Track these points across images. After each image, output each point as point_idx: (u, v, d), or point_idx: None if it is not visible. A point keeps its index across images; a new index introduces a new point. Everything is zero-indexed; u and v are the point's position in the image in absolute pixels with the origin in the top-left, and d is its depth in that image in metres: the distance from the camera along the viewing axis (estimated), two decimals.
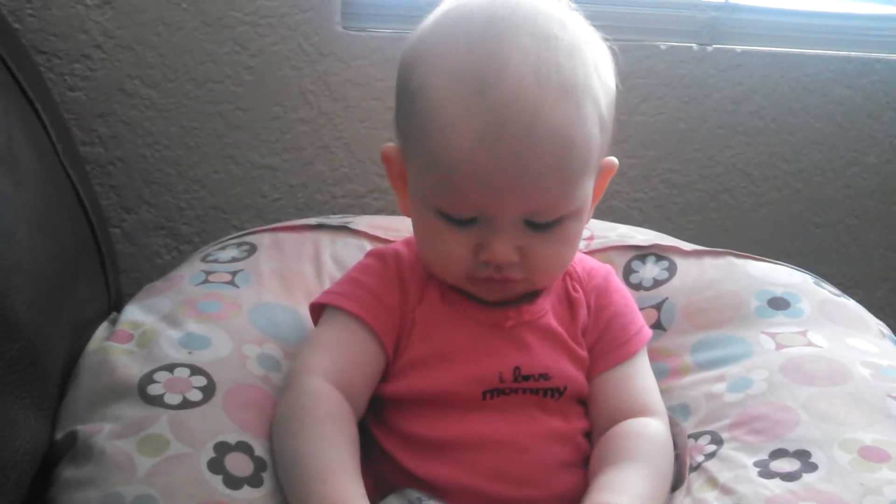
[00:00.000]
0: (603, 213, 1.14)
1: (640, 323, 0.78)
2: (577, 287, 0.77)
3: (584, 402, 0.75)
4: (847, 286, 1.22)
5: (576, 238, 0.72)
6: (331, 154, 1.11)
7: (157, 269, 1.11)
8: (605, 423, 0.73)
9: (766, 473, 0.66)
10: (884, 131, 1.20)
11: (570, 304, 0.76)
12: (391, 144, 0.75)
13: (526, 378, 0.72)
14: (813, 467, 0.65)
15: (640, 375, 0.76)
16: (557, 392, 0.72)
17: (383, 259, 0.77)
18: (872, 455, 0.65)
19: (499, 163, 0.65)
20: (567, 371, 0.73)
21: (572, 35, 0.68)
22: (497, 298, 0.73)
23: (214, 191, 1.10)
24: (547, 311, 0.75)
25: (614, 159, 0.74)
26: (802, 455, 0.67)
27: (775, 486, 0.64)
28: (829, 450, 0.66)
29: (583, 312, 0.76)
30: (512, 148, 0.65)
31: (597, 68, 0.69)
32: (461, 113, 0.65)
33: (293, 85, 1.07)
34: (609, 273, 0.80)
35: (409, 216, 0.75)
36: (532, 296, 0.75)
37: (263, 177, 1.10)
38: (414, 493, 0.65)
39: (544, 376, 0.72)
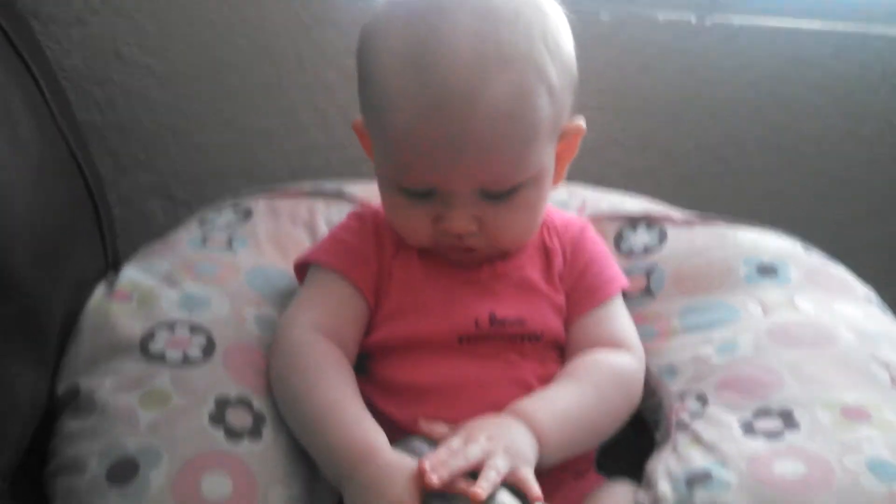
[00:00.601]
0: (598, 182, 1.15)
1: (616, 270, 0.81)
2: (554, 238, 0.79)
3: (563, 350, 0.77)
4: (839, 255, 1.22)
5: (537, 203, 0.73)
6: (326, 120, 1.11)
7: (153, 231, 1.11)
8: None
9: (750, 432, 0.67)
10: (879, 105, 1.21)
11: (546, 253, 0.78)
12: (360, 119, 0.76)
13: (501, 323, 0.73)
14: (795, 426, 0.67)
15: (615, 317, 0.78)
16: (535, 337, 0.74)
17: (361, 218, 0.79)
18: (853, 414, 0.67)
19: (441, 140, 0.66)
20: (544, 317, 0.75)
21: (515, 6, 0.68)
22: (465, 261, 0.75)
23: (210, 155, 1.11)
24: (522, 263, 0.77)
25: (580, 123, 0.75)
26: (785, 415, 0.68)
27: (758, 444, 0.66)
28: (811, 410, 0.68)
29: (558, 261, 0.78)
30: (453, 125, 0.66)
31: (544, 37, 0.69)
32: (402, 93, 0.66)
33: (289, 52, 1.08)
34: (585, 225, 0.82)
35: None
36: (505, 254, 0.76)
37: (259, 142, 1.11)
38: (417, 442, 0.67)
39: (520, 321, 0.74)
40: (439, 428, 0.68)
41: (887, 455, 0.63)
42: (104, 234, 0.85)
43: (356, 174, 1.14)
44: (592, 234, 0.82)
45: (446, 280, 0.75)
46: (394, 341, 0.74)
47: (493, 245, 0.74)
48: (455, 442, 0.64)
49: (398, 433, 0.68)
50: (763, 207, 1.22)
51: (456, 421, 0.68)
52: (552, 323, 0.76)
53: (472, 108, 0.65)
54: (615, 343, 0.76)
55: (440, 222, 0.71)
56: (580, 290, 0.78)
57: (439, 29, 0.66)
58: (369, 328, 0.75)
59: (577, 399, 0.71)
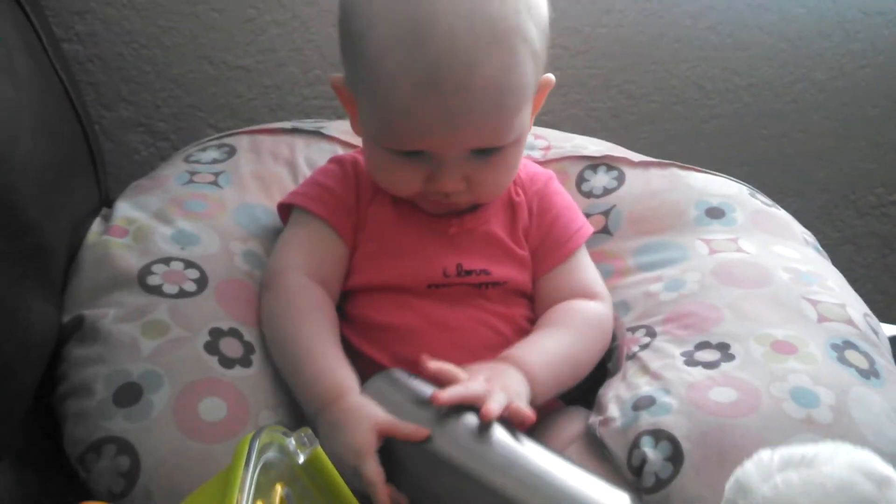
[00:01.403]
0: (563, 121, 1.20)
1: (582, 221, 0.85)
2: (520, 192, 0.84)
3: (527, 296, 0.82)
4: (788, 195, 1.29)
5: (517, 160, 0.78)
6: (303, 56, 1.14)
7: (135, 164, 1.15)
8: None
9: (691, 362, 0.74)
10: (832, 49, 1.25)
11: (512, 208, 0.83)
12: (339, 76, 0.79)
13: (468, 273, 0.79)
14: (731, 358, 0.74)
15: (583, 267, 0.83)
16: (497, 284, 0.80)
17: (342, 164, 0.83)
18: (782, 348, 0.74)
19: (438, 113, 0.70)
20: (507, 270, 0.81)
21: None
22: (443, 212, 0.80)
23: (190, 90, 1.14)
24: (489, 218, 0.81)
25: (550, 77, 0.79)
26: (723, 347, 0.75)
27: (697, 372, 0.73)
28: (745, 343, 0.74)
29: (524, 216, 0.83)
30: (449, 99, 0.69)
31: (528, 7, 0.72)
32: (398, 68, 0.69)
33: None
34: (550, 177, 0.87)
35: (360, 136, 0.80)
36: (475, 206, 0.81)
37: (238, 77, 1.14)
38: (397, 372, 0.72)
39: (485, 272, 0.79)
40: (443, 366, 0.71)
41: (809, 384, 0.71)
42: (97, 170, 0.88)
43: (332, 110, 1.18)
44: (557, 185, 0.87)
45: (418, 229, 0.80)
46: (369, 284, 0.79)
47: (475, 200, 0.79)
48: (450, 371, 0.69)
49: (374, 369, 0.74)
50: (719, 146, 1.28)
51: (431, 358, 0.73)
52: (516, 274, 0.81)
53: (470, 82, 0.69)
54: (587, 294, 0.81)
55: (430, 182, 0.75)
56: (549, 244, 0.83)
57: (432, 3, 0.68)
58: (347, 271, 0.80)
59: (560, 344, 0.77)
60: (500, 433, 0.67)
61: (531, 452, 0.66)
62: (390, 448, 0.67)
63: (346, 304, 0.80)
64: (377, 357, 0.77)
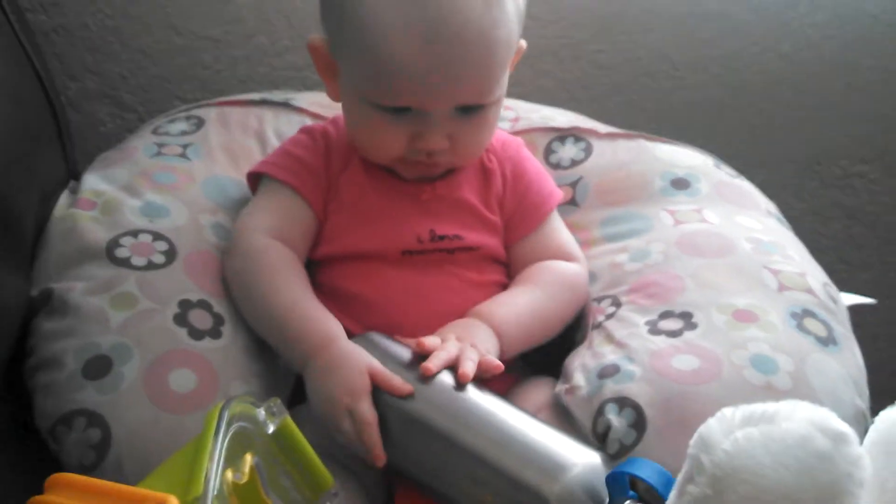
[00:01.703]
0: (533, 91, 1.20)
1: (552, 186, 0.87)
2: (493, 158, 0.85)
3: (500, 262, 0.84)
4: (754, 166, 1.30)
5: (495, 121, 0.80)
6: (272, 27, 1.13)
7: (101, 136, 1.14)
8: None
9: (654, 331, 0.76)
10: (798, 20, 1.26)
11: (484, 174, 0.84)
12: (318, 37, 0.79)
13: (441, 238, 0.80)
14: (693, 326, 0.75)
15: (557, 231, 0.85)
16: (470, 249, 0.81)
17: (312, 134, 0.84)
18: (743, 317, 0.75)
19: (434, 66, 0.71)
20: (480, 236, 0.82)
21: None
22: (422, 176, 0.81)
23: (157, 60, 1.13)
24: (461, 183, 0.82)
25: (523, 42, 0.80)
26: (686, 316, 0.76)
27: (660, 341, 0.74)
28: (707, 312, 0.76)
29: (497, 182, 0.84)
30: (446, 52, 0.71)
31: None
32: (397, 21, 0.70)
33: None
34: (520, 144, 0.88)
35: (336, 101, 0.81)
36: (447, 171, 0.82)
37: (205, 48, 1.13)
38: (375, 335, 0.74)
39: (458, 237, 0.81)
40: (420, 342, 0.73)
41: (768, 352, 0.72)
42: (64, 143, 0.88)
43: (300, 81, 1.17)
44: (527, 152, 0.88)
45: (390, 197, 0.81)
46: (341, 253, 0.80)
47: (455, 160, 0.80)
48: (430, 341, 0.72)
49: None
50: (686, 117, 1.29)
51: (401, 327, 0.75)
52: (488, 240, 0.82)
53: (465, 35, 0.71)
54: (562, 256, 0.83)
55: (416, 140, 0.76)
56: (523, 209, 0.84)
57: None
58: (317, 240, 0.81)
59: (530, 300, 0.79)
60: (475, 394, 0.69)
61: (506, 413, 0.68)
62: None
63: (317, 274, 0.81)
64: (350, 326, 0.77)
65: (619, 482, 0.61)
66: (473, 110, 0.76)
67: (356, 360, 0.70)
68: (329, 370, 0.70)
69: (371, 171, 0.81)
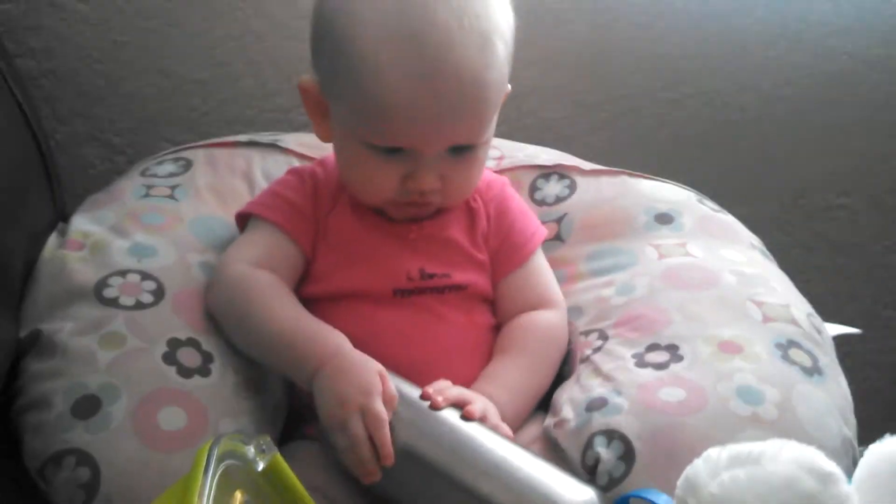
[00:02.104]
0: (518, 130, 1.22)
1: (536, 224, 0.88)
2: (478, 198, 0.85)
3: (488, 301, 0.84)
4: (738, 201, 1.31)
5: (484, 161, 0.81)
6: (258, 69, 1.15)
7: (90, 179, 1.15)
8: (511, 318, 0.83)
9: (641, 364, 0.76)
10: (777, 59, 1.28)
11: (470, 214, 0.85)
12: (308, 78, 0.80)
13: (431, 276, 0.81)
14: (679, 358, 0.76)
15: (540, 272, 0.86)
16: (459, 288, 0.81)
17: (300, 175, 0.85)
18: (729, 348, 0.76)
19: (429, 106, 0.72)
20: (468, 275, 0.82)
21: None
22: (412, 217, 0.82)
23: (146, 103, 1.14)
24: (448, 223, 0.83)
25: (508, 85, 0.81)
26: (672, 348, 0.77)
27: (647, 373, 0.75)
28: (693, 344, 0.77)
29: (482, 222, 0.85)
30: (441, 93, 0.72)
31: (502, 5, 0.76)
32: (393, 62, 0.72)
33: (222, 1, 1.11)
34: (504, 183, 0.89)
35: (325, 142, 0.82)
36: (435, 211, 0.83)
37: (193, 90, 1.14)
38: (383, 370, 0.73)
39: (447, 275, 0.81)
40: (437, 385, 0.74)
41: (754, 383, 0.73)
42: (52, 185, 0.88)
43: (287, 123, 1.18)
44: (511, 191, 0.89)
45: (378, 236, 0.81)
46: (331, 293, 0.80)
47: (446, 201, 0.81)
48: (437, 384, 0.73)
49: None
50: (668, 154, 1.30)
51: (394, 369, 0.74)
52: (476, 277, 0.83)
53: (461, 77, 0.72)
54: (542, 301, 0.84)
55: (408, 181, 0.77)
56: (507, 248, 0.85)
57: (427, 3, 0.71)
58: (307, 280, 0.81)
59: (521, 373, 0.79)
60: (477, 431, 0.70)
61: (505, 450, 0.69)
62: None
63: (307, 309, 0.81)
64: None
65: None
66: (465, 150, 0.77)
67: (370, 362, 0.72)
68: (342, 371, 0.71)
69: (359, 212, 0.82)
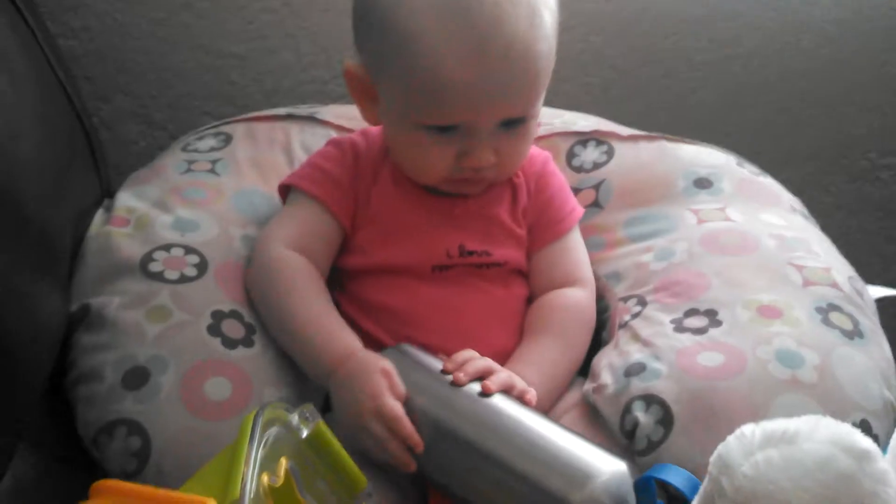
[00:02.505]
0: (556, 96, 1.20)
1: (574, 203, 0.88)
2: (520, 173, 0.85)
3: (524, 275, 0.85)
4: (779, 163, 1.30)
5: (535, 133, 0.82)
6: (296, 42, 1.15)
7: (133, 154, 1.17)
8: (541, 293, 0.84)
9: (680, 329, 0.76)
10: (818, 17, 1.25)
11: (512, 189, 0.85)
12: (353, 63, 0.80)
13: (470, 253, 0.81)
14: (718, 323, 0.76)
15: (573, 250, 0.85)
16: (497, 265, 0.82)
17: (341, 146, 0.85)
18: (768, 313, 0.76)
19: (482, 81, 0.72)
20: (507, 251, 0.83)
21: None
22: (467, 192, 0.82)
23: (185, 79, 1.15)
24: (492, 199, 0.83)
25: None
26: (711, 313, 0.77)
27: (686, 338, 0.75)
28: (732, 309, 0.76)
29: (523, 196, 0.85)
30: (494, 67, 0.72)
31: None
32: (446, 38, 0.72)
33: None
34: (547, 159, 0.89)
35: (373, 125, 0.83)
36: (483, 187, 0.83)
37: (231, 65, 1.15)
38: (406, 347, 0.75)
39: (486, 252, 0.81)
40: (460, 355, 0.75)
41: (793, 346, 0.73)
42: (97, 162, 0.90)
43: (326, 94, 1.19)
44: (553, 167, 0.89)
45: (421, 212, 0.82)
46: (371, 266, 0.81)
47: (499, 175, 0.81)
48: (462, 354, 0.73)
49: (372, 344, 0.76)
50: (707, 117, 1.29)
51: (430, 339, 0.77)
52: (515, 254, 0.83)
53: (513, 50, 0.72)
54: (572, 279, 0.84)
55: (464, 157, 0.77)
56: (543, 223, 0.85)
57: None
58: (347, 251, 0.82)
59: (552, 352, 0.79)
60: (502, 403, 0.70)
61: (532, 421, 0.69)
62: None
63: (346, 282, 0.82)
64: (376, 333, 0.79)
65: (646, 488, 0.61)
66: (517, 123, 0.77)
67: (372, 364, 0.71)
68: (350, 378, 0.71)
69: (401, 186, 0.82)
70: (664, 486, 0.62)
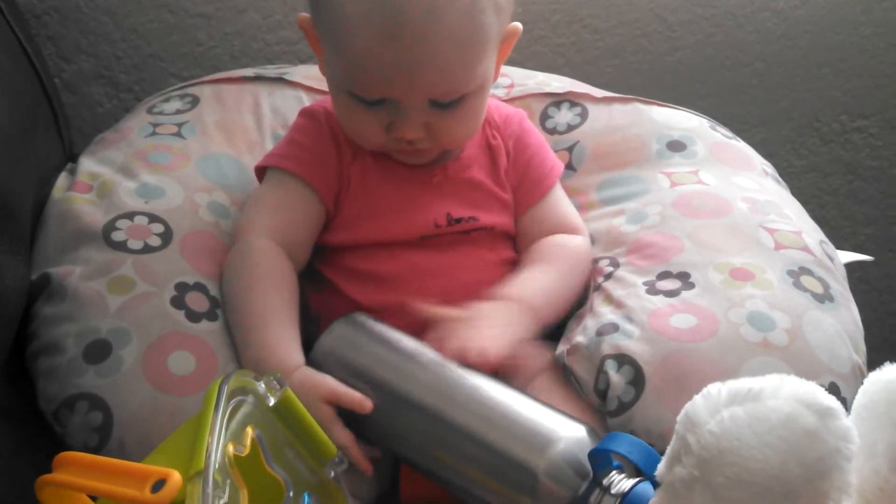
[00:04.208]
0: (527, 57, 1.20)
1: (553, 159, 0.87)
2: (496, 135, 0.84)
3: (510, 238, 0.84)
4: (753, 125, 1.30)
5: (480, 110, 0.79)
6: (264, 2, 1.13)
7: (98, 117, 1.14)
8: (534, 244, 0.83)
9: (652, 291, 0.76)
10: None
11: (490, 151, 0.84)
12: (307, 16, 0.78)
13: (458, 221, 0.80)
14: (691, 286, 0.76)
15: (560, 203, 0.85)
16: (485, 229, 0.81)
17: (315, 118, 0.82)
18: (740, 275, 0.76)
19: (398, 61, 0.70)
20: (494, 215, 0.82)
21: None
22: (415, 162, 0.80)
23: (151, 39, 1.13)
24: (470, 163, 0.82)
25: (517, 25, 0.79)
26: (683, 276, 0.77)
27: (658, 300, 0.75)
28: (705, 271, 0.76)
29: (503, 158, 0.84)
30: (409, 47, 0.70)
31: None
32: (359, 15, 0.70)
33: None
34: (522, 117, 0.87)
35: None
36: (455, 151, 0.82)
37: (198, 25, 1.13)
38: (360, 316, 0.74)
39: (473, 219, 0.81)
40: (428, 308, 0.73)
41: (765, 309, 0.73)
42: (59, 125, 0.88)
43: (294, 55, 1.17)
44: (529, 125, 0.87)
45: (402, 184, 0.80)
46: (357, 242, 0.79)
47: (440, 147, 0.79)
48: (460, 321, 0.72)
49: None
50: (682, 79, 1.28)
51: (422, 301, 0.74)
52: (501, 219, 0.82)
53: (430, 30, 0.69)
54: (567, 229, 0.83)
55: (392, 129, 0.75)
56: (526, 183, 0.84)
57: None
58: (330, 228, 0.80)
59: (553, 280, 0.79)
60: (462, 372, 0.69)
61: (492, 389, 0.68)
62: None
63: (333, 256, 0.80)
64: (363, 301, 0.77)
65: (602, 457, 0.61)
66: (453, 102, 0.75)
67: (311, 394, 0.67)
68: (298, 395, 0.67)
69: (380, 159, 0.81)
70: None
